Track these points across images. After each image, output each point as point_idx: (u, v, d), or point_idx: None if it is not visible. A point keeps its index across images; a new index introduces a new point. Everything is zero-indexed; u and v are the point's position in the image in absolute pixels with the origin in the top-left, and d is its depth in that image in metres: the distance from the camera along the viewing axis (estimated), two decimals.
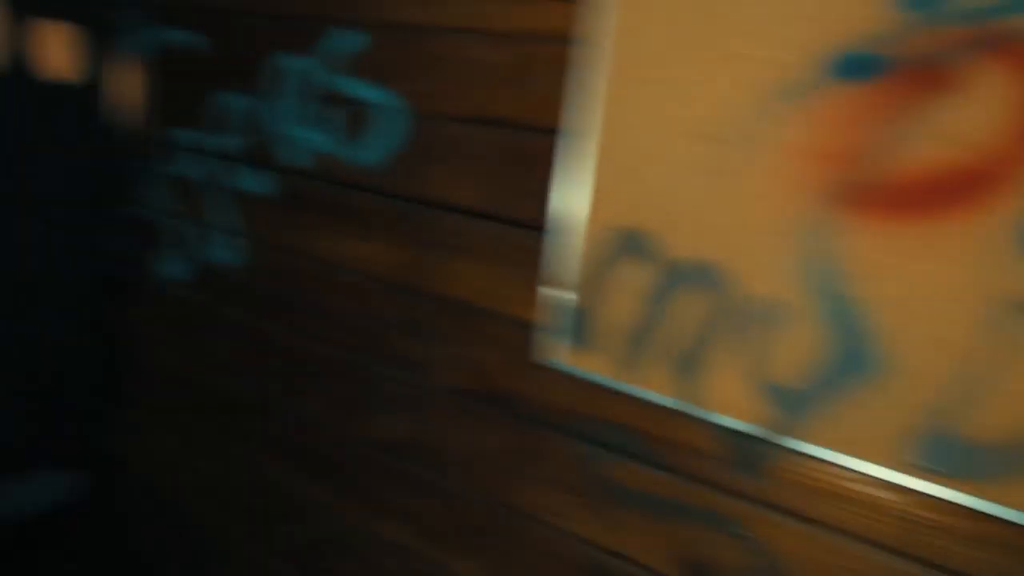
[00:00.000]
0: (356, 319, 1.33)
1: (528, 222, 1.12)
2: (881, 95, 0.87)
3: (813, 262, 0.93)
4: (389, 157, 1.28)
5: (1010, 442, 0.83)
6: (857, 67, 0.88)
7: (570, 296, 1.09)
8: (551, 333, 1.11)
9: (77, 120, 1.09)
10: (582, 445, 1.11)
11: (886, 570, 0.90)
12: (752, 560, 0.99)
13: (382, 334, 1.30)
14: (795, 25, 0.91)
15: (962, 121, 0.83)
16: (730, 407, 0.99)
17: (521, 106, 1.11)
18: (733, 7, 0.95)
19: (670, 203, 1.01)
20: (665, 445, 1.04)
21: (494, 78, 1.13)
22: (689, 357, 1.01)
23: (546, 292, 1.11)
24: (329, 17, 1.32)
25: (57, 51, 1.05)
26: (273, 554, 1.52)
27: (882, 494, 0.90)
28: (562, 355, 1.11)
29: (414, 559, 1.31)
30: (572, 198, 1.07)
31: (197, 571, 1.63)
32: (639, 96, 1.02)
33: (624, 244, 1.05)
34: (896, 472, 0.89)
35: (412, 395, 1.27)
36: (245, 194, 1.49)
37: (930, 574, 0.88)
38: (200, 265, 1.58)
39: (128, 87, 1.22)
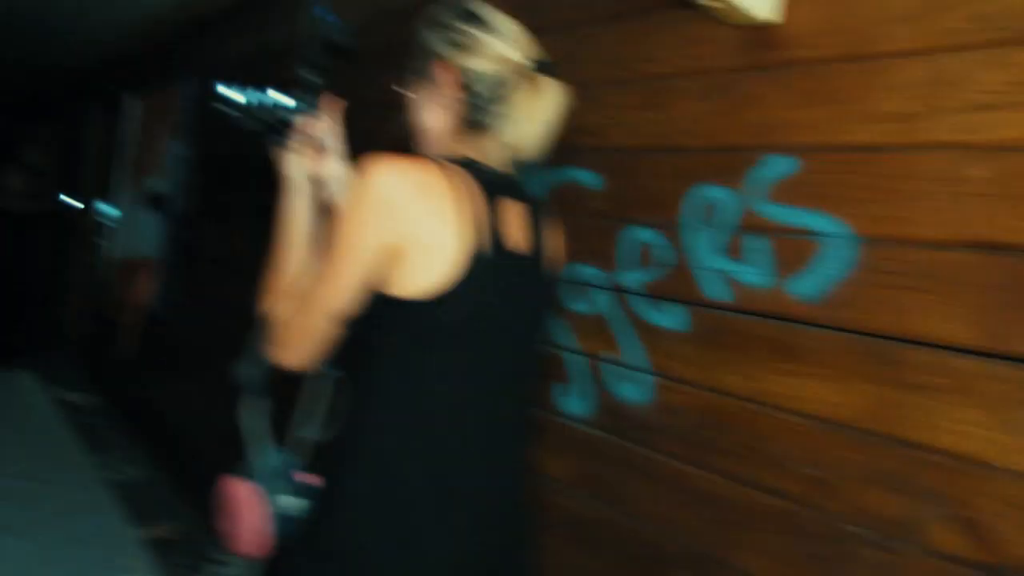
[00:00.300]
0: (805, 466, 1.21)
1: None
2: None
3: None
4: (832, 287, 1.18)
5: None
6: None
7: None
8: None
9: (530, 279, 1.18)
10: None
11: None
12: None
13: (841, 485, 1.16)
14: None
15: None
16: None
17: None
18: None
19: None
20: None
21: (990, 197, 0.99)
22: None
23: None
24: (755, 144, 1.28)
25: (514, 223, 1.14)
26: None
27: None
28: None
29: None
30: None
31: None
32: None
33: None
34: None
35: (888, 559, 1.11)
36: (655, 329, 1.48)
37: None
38: (607, 402, 1.58)
39: (547, 237, 1.27)
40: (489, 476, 1.12)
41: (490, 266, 1.03)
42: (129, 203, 4.96)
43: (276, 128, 1.24)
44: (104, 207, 5.70)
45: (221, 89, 1.23)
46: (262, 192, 3.21)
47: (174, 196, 4.11)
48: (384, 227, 0.99)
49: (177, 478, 3.71)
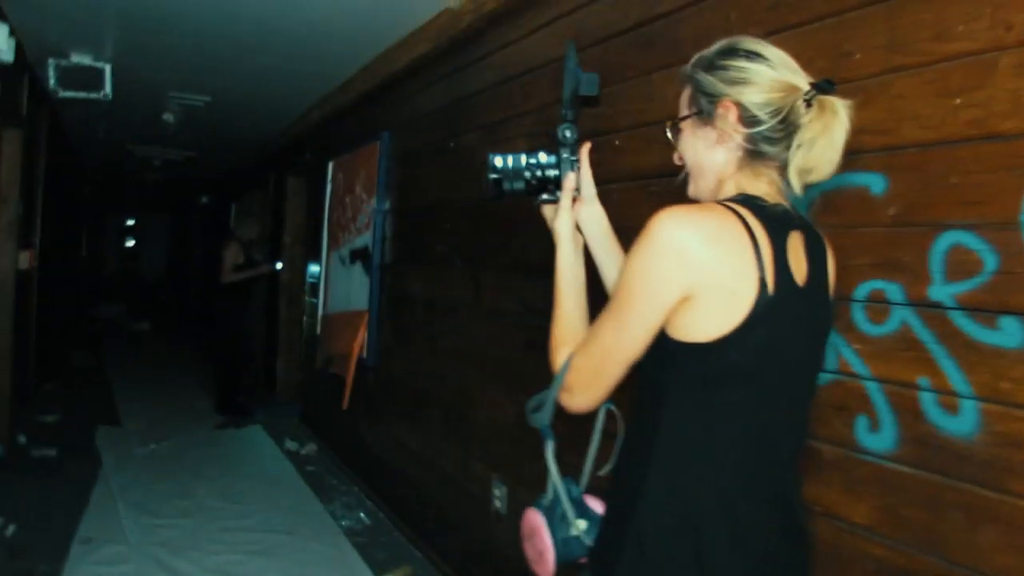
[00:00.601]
0: None
1: None
2: None
3: None
4: None
5: None
6: None
7: None
8: None
9: (815, 310, 1.17)
10: None
11: None
12: None
13: None
14: None
15: None
16: None
17: None
18: None
19: None
20: None
21: None
22: None
23: None
24: None
25: (797, 255, 1.11)
26: None
27: None
28: None
29: None
30: None
31: None
32: None
33: None
34: None
35: None
36: (981, 348, 1.26)
37: None
38: (916, 434, 1.37)
39: (827, 262, 1.15)
40: (778, 512, 1.12)
41: (779, 304, 1.04)
42: (335, 260, 5.26)
43: (543, 187, 1.32)
44: (311, 267, 6.11)
45: (494, 159, 1.31)
46: (466, 237, 3.26)
47: (376, 249, 4.30)
48: (676, 277, 1.01)
49: (404, 521, 3.79)
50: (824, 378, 1.51)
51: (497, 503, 2.80)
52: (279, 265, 6.85)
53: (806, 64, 1.59)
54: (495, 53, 3.09)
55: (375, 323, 4.30)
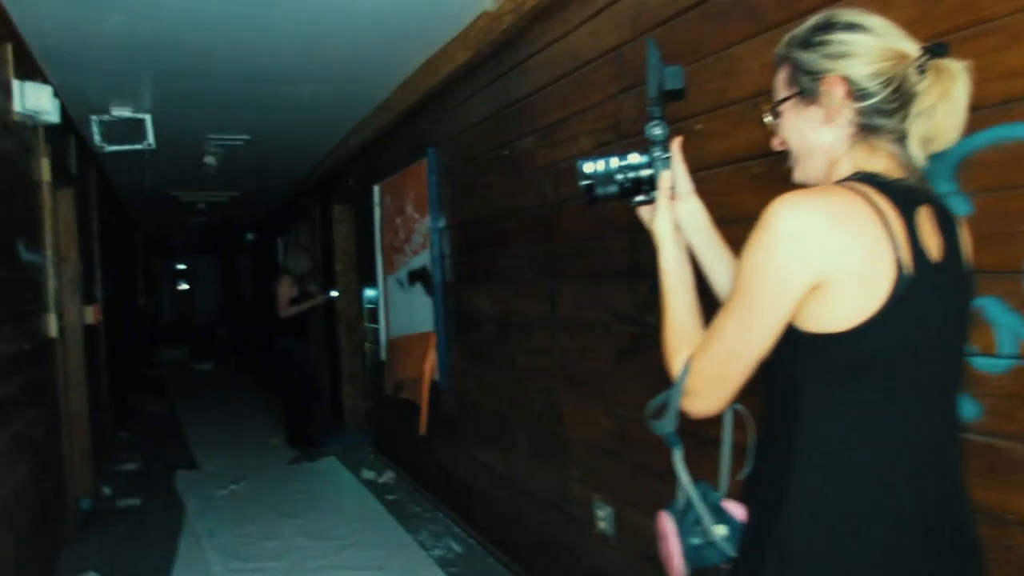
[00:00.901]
0: None
1: None
2: None
3: None
4: None
5: None
6: None
7: None
8: None
9: (953, 288, 1.08)
10: None
11: None
12: None
13: None
14: None
15: None
16: None
17: None
18: None
19: None
20: None
21: None
22: None
23: None
24: None
25: (928, 230, 1.04)
26: None
27: None
28: None
29: None
30: None
31: None
32: None
33: None
34: None
35: None
36: None
37: None
38: None
39: (960, 233, 1.10)
40: (943, 518, 1.04)
41: (919, 284, 0.97)
42: (392, 284, 5.17)
43: (637, 188, 1.27)
44: (367, 292, 6.04)
45: (583, 165, 1.27)
46: (535, 247, 3.11)
47: (436, 268, 4.18)
48: (802, 266, 0.96)
49: (498, 547, 3.65)
50: (1000, 365, 1.32)
51: (602, 524, 2.63)
52: (335, 293, 6.80)
53: (928, 7, 1.43)
54: (543, 51, 2.94)
55: (443, 344, 4.18)
